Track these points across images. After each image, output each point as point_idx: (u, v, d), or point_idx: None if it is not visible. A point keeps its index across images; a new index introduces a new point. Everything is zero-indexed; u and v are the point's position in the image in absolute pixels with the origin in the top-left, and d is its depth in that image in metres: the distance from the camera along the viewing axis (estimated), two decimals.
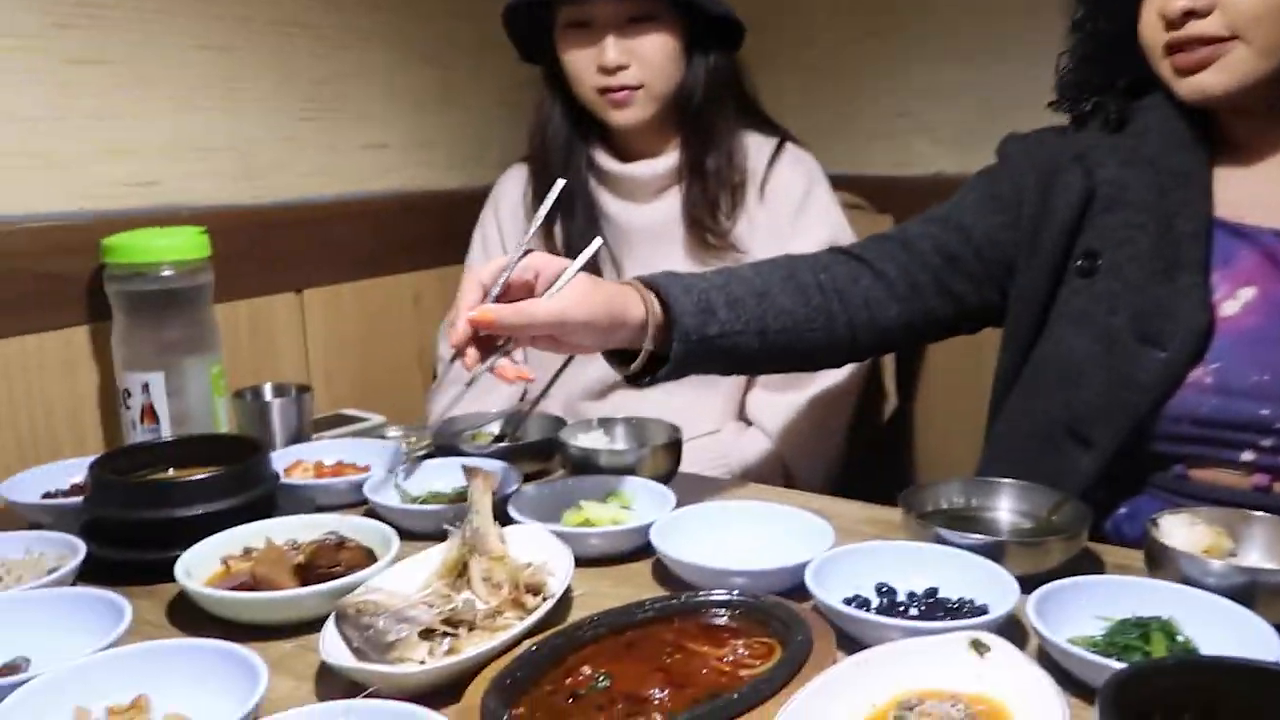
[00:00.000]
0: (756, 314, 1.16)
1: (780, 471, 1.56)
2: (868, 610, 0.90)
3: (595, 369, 1.56)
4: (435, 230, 1.87)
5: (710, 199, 1.55)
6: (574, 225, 1.58)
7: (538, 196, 1.63)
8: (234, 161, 1.55)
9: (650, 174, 1.59)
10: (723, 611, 0.88)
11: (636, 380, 1.13)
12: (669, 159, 1.59)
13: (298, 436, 1.37)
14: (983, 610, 0.87)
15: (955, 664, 0.76)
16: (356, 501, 1.20)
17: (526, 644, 0.82)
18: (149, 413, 1.29)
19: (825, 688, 0.74)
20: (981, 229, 1.22)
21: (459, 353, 1.03)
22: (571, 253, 1.58)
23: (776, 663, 0.78)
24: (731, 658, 0.80)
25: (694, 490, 1.26)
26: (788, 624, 0.84)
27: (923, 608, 0.91)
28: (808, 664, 0.78)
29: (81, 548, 0.99)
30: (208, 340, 1.35)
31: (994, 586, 0.88)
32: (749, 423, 1.61)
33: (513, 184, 1.71)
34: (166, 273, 1.29)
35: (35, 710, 0.74)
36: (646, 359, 1.10)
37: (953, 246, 1.22)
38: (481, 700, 0.74)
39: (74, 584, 0.99)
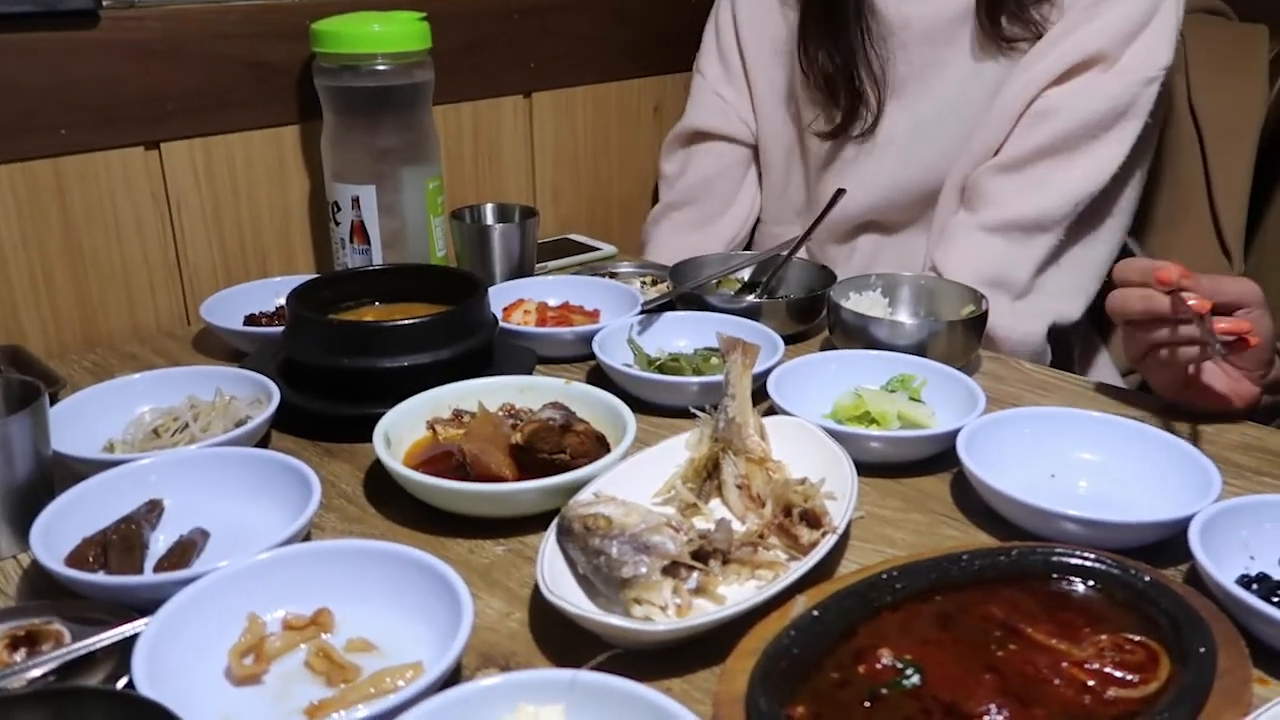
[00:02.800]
0: None
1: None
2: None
3: (844, 206, 1.28)
4: (684, 26, 1.58)
5: None
6: (833, 30, 1.26)
7: None
8: None
9: None
10: (1076, 582, 0.64)
11: None
12: None
13: (520, 267, 1.19)
14: None
15: None
16: (585, 355, 1.02)
17: (804, 602, 0.61)
18: (359, 231, 1.13)
19: None
20: None
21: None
22: (832, 67, 1.28)
23: (1170, 688, 0.54)
24: (1095, 664, 0.57)
25: (997, 379, 1.01)
26: (1174, 618, 0.59)
27: None
28: (1214, 693, 0.54)
29: (276, 396, 0.85)
30: (425, 149, 1.17)
31: None
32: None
33: None
34: (381, 66, 1.10)
35: (205, 611, 0.60)
36: None
37: None
38: (749, 689, 0.54)
39: (268, 434, 0.87)
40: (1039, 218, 1.11)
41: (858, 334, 0.99)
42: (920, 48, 1.23)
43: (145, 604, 0.60)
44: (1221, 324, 0.82)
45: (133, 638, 0.57)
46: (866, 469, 0.81)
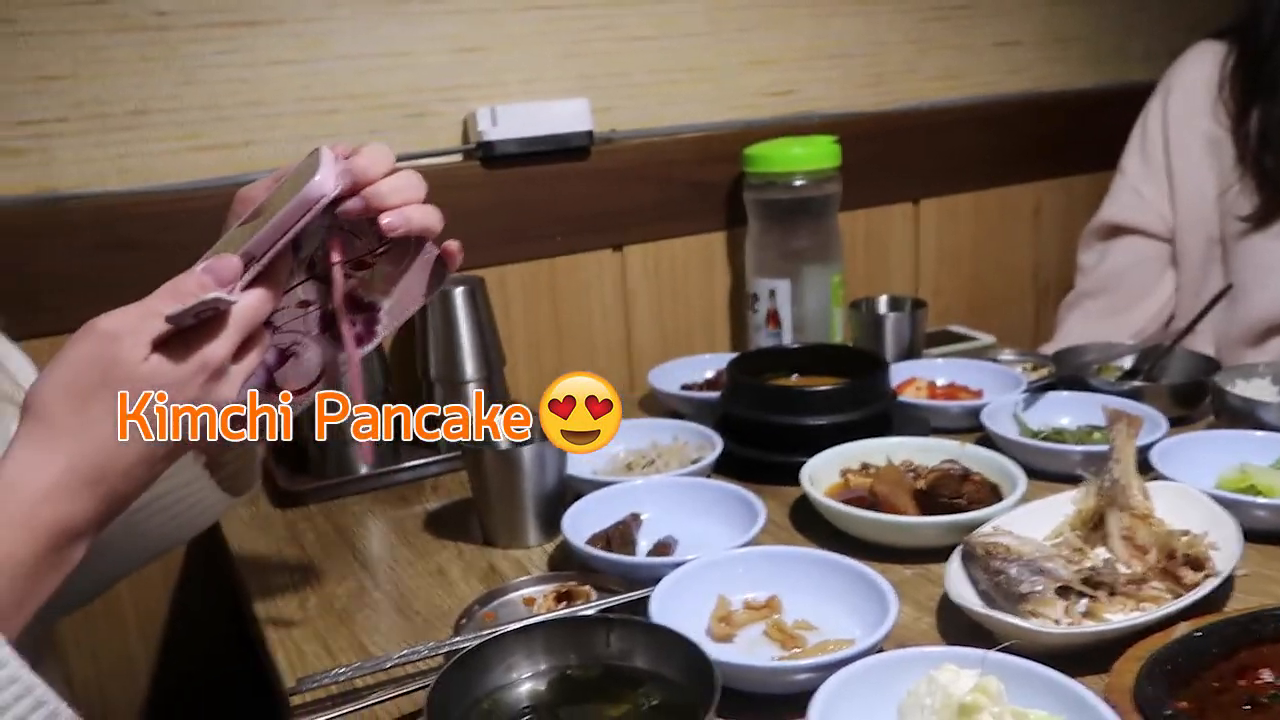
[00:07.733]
0: None
1: None
2: None
3: (1257, 306, 1.30)
4: (1063, 134, 1.70)
5: None
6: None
7: (1233, 77, 1.34)
8: (863, 67, 1.54)
9: None
10: None
11: None
12: None
13: (909, 351, 1.35)
14: None
15: None
16: (970, 428, 1.15)
17: (1187, 626, 0.71)
18: (773, 317, 1.35)
19: None
20: None
21: None
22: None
23: None
24: None
25: None
26: None
27: None
28: None
29: (719, 442, 1.06)
30: (831, 250, 1.37)
31: None
32: None
33: (1195, 65, 1.41)
34: (799, 182, 1.33)
35: (686, 590, 0.80)
36: None
37: None
38: (1137, 682, 0.65)
39: (710, 475, 1.08)
40: None
41: (1244, 418, 1.04)
42: None
43: (641, 580, 0.81)
44: None
45: (640, 600, 0.79)
46: (1251, 535, 0.87)
